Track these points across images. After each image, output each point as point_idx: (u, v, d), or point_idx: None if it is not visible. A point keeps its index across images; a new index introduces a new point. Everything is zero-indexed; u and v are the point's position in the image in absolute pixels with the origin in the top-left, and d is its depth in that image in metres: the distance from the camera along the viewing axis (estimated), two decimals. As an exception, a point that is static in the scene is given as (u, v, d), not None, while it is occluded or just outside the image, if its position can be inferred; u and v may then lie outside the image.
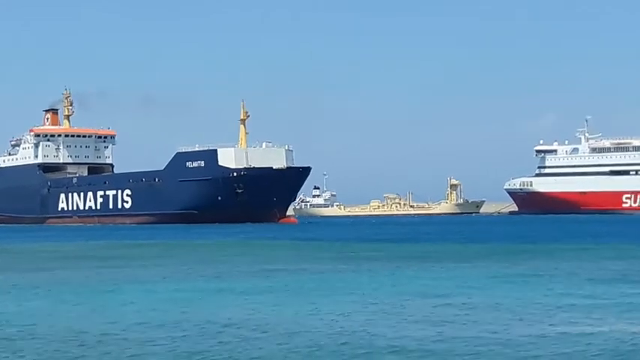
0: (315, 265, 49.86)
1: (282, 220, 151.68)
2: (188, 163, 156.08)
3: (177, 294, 35.07)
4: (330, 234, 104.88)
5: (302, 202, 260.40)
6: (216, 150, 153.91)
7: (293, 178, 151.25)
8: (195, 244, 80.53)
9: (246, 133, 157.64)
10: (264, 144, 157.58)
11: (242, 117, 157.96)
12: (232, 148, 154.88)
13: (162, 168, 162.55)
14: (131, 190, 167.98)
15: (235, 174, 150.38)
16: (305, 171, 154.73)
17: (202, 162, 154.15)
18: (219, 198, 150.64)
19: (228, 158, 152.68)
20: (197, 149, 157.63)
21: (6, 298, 33.75)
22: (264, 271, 45.96)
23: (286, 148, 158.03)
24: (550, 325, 25.82)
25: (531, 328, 25.22)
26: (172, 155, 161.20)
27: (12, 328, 25.85)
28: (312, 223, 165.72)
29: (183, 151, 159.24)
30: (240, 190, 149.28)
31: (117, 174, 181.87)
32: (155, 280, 41.12)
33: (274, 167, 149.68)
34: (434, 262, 51.14)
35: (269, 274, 44.11)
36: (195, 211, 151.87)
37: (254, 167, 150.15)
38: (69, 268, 49.94)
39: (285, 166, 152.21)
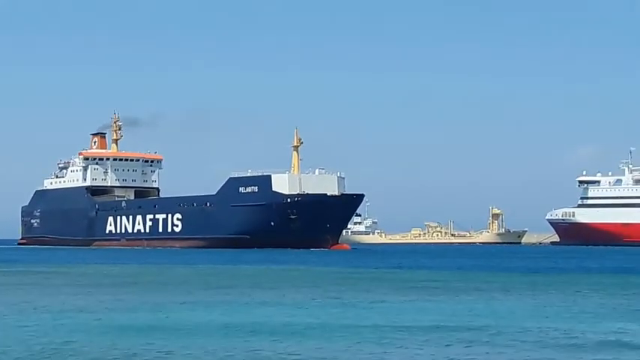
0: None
1: (334, 247, 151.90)
2: (241, 188, 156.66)
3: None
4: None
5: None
6: (270, 176, 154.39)
7: (346, 205, 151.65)
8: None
9: (300, 159, 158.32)
10: (317, 170, 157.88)
11: (295, 144, 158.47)
12: (286, 174, 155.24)
13: (214, 193, 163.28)
14: (182, 214, 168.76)
15: (289, 200, 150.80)
16: (358, 198, 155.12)
17: (256, 187, 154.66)
18: (272, 223, 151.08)
19: (282, 184, 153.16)
20: (250, 174, 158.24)
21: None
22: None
23: (338, 175, 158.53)
24: None
25: None
26: (224, 180, 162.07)
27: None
28: (366, 250, 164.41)
29: (236, 176, 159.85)
30: (293, 216, 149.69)
31: (167, 198, 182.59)
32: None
33: (328, 194, 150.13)
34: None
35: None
36: (248, 236, 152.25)
37: (308, 193, 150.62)
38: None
39: (338, 192, 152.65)
